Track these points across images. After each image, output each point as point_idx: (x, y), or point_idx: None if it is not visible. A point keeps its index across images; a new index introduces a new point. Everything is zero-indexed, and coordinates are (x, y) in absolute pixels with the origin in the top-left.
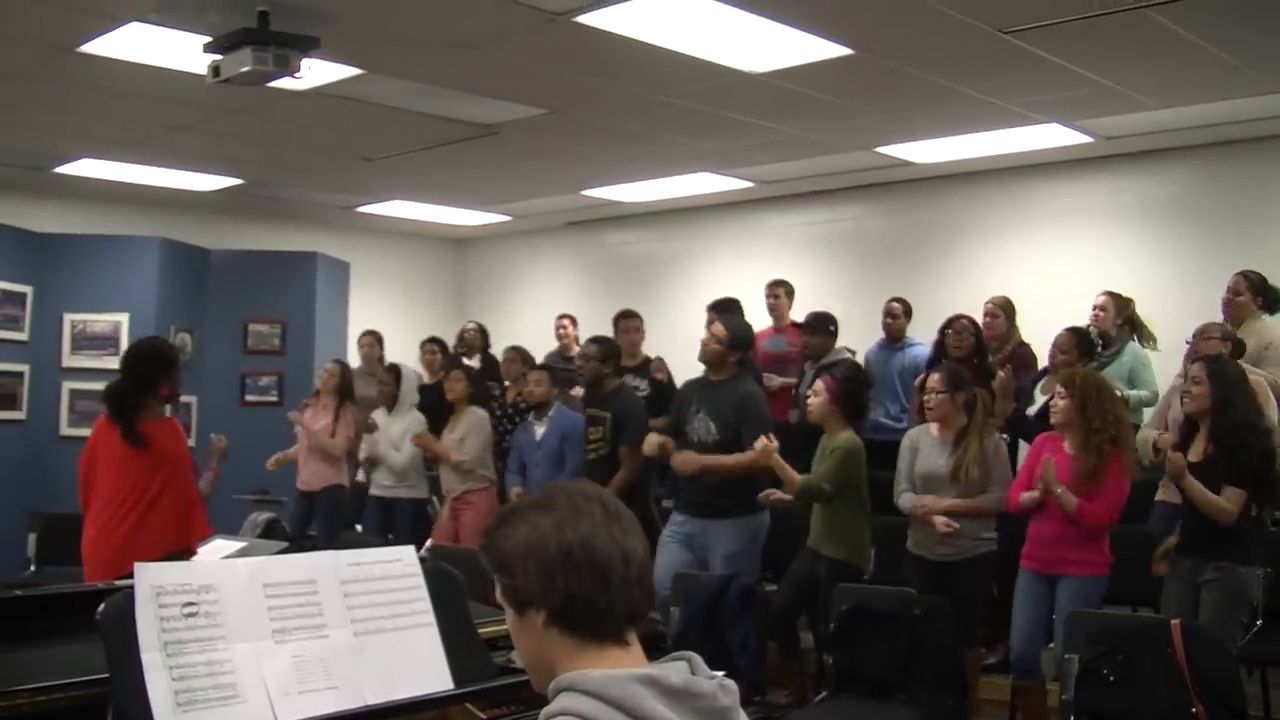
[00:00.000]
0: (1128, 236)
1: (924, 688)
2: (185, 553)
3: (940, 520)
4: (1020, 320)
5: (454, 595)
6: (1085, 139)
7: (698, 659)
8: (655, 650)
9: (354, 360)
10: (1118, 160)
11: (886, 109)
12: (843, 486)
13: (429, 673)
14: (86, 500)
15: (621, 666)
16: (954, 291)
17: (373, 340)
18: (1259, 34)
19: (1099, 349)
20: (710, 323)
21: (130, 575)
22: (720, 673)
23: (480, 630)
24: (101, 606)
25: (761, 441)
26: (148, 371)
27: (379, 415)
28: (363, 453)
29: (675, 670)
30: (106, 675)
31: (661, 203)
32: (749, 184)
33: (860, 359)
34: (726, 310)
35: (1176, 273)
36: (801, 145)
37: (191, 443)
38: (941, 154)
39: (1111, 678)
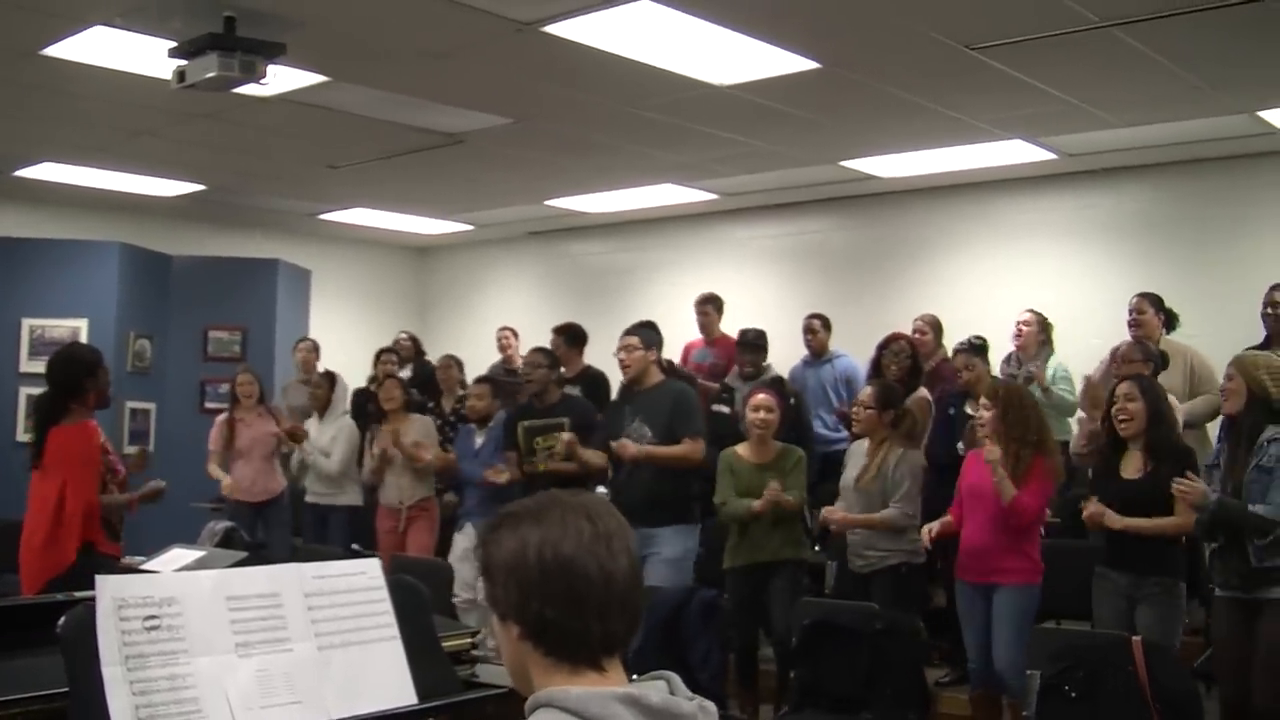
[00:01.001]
0: (1091, 253)
1: (886, 703)
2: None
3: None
4: (984, 334)
5: (418, 608)
6: (1049, 155)
7: (676, 679)
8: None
9: (290, 367)
10: (1082, 177)
11: (852, 123)
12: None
13: (393, 687)
14: None
15: (599, 686)
16: (916, 305)
17: (310, 347)
18: (1223, 54)
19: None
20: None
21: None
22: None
23: (444, 644)
24: (62, 619)
25: (773, 488)
26: (74, 377)
27: (311, 423)
28: (294, 460)
29: (655, 690)
30: (66, 689)
31: (625, 214)
32: (713, 196)
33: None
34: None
35: (1139, 288)
36: (766, 158)
37: (150, 448)
38: (906, 168)
39: (1073, 694)
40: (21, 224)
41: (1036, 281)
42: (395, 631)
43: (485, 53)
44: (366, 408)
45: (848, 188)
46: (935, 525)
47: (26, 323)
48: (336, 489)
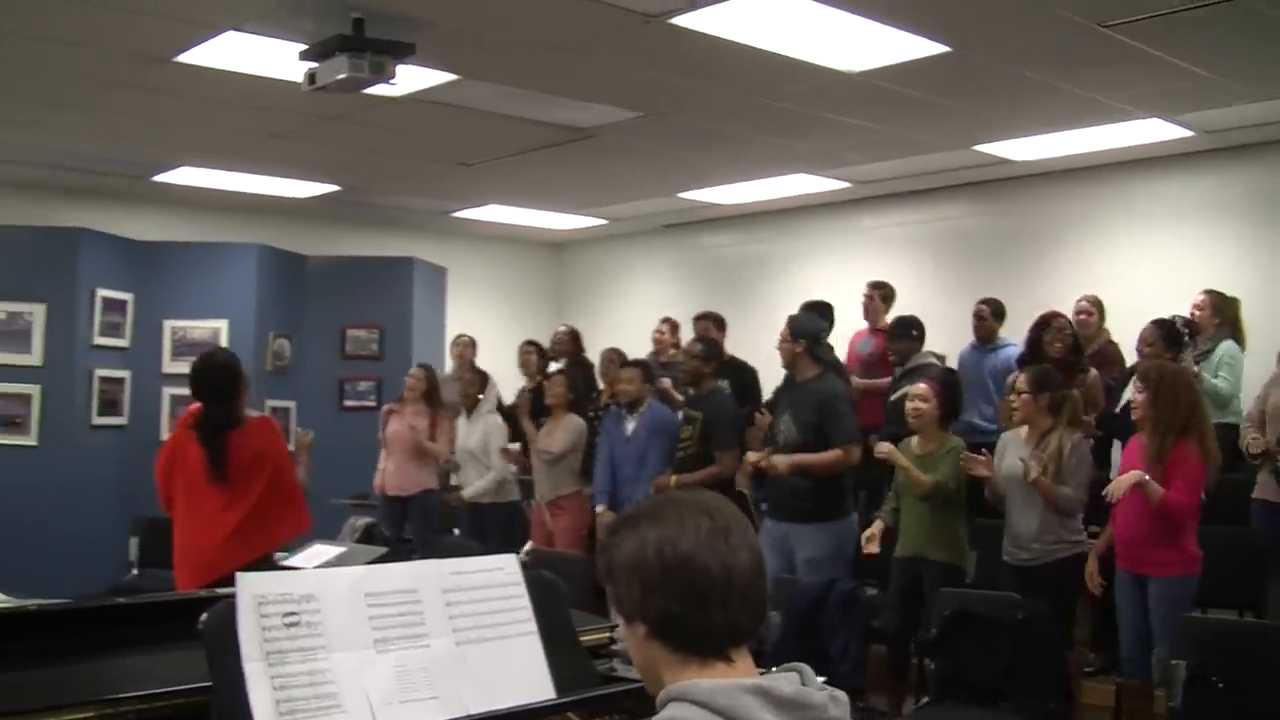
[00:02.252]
0: (1232, 232)
1: (1027, 693)
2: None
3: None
4: (1123, 318)
5: (556, 603)
6: (1186, 133)
7: (808, 670)
8: (753, 655)
9: (448, 364)
10: (1220, 154)
11: (984, 106)
12: (961, 486)
13: (531, 681)
14: (169, 503)
15: (728, 678)
16: (1053, 290)
17: (467, 342)
18: None
19: (1186, 339)
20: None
21: (222, 581)
22: (819, 679)
23: (582, 638)
24: (204, 615)
25: (886, 446)
26: (233, 384)
27: (460, 422)
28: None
29: (786, 681)
30: (209, 684)
31: (758, 204)
32: (845, 184)
33: (953, 361)
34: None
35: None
36: (898, 144)
37: (290, 446)
38: (1040, 151)
39: (1220, 685)
40: (162, 228)
41: (1174, 263)
42: (533, 626)
43: (613, 46)
44: (523, 405)
45: (982, 172)
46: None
47: (168, 324)
48: (494, 486)
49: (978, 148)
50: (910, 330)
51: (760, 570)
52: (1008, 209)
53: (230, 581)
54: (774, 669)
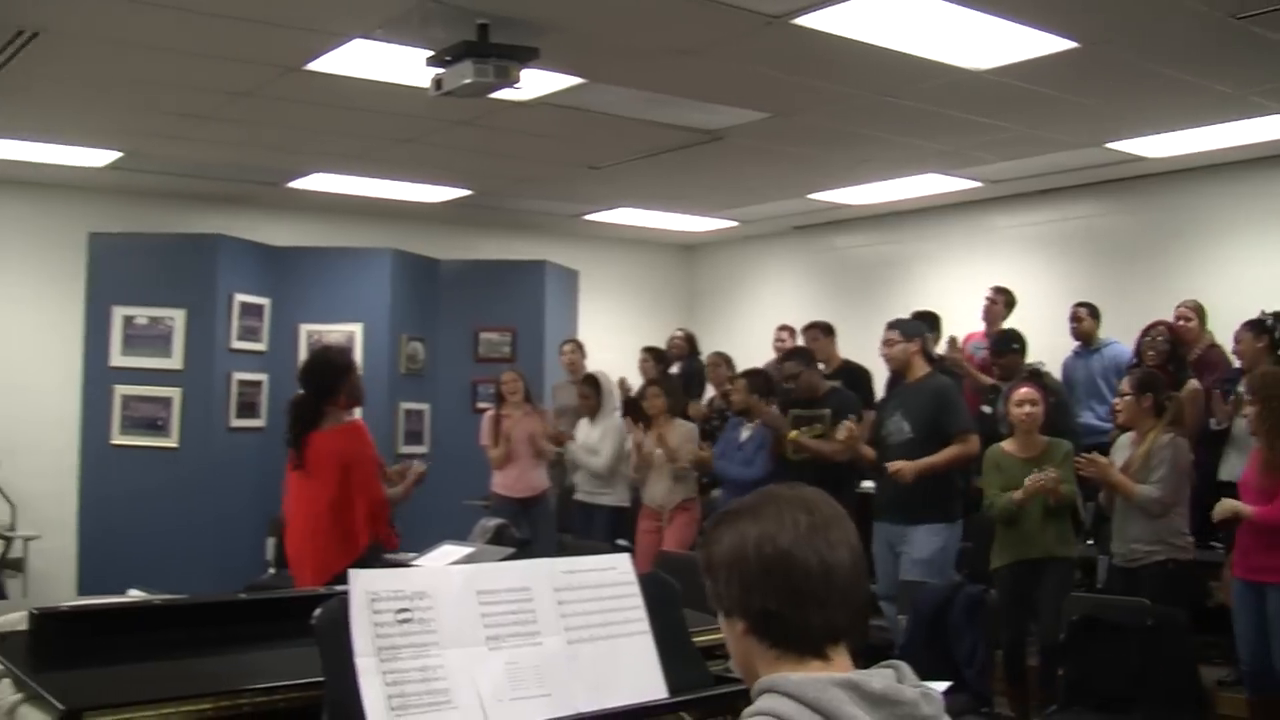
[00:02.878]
0: None
1: (1157, 702)
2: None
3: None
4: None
5: (669, 603)
6: None
7: (905, 667)
8: (882, 660)
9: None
10: None
11: (1115, 103)
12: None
13: (643, 681)
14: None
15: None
16: (1188, 290)
17: (574, 348)
18: None
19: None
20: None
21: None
22: (945, 684)
23: (695, 638)
24: (317, 612)
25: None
26: (329, 380)
27: (582, 425)
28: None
29: (878, 676)
30: (322, 679)
31: (889, 204)
32: (976, 184)
33: (1056, 368)
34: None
35: None
36: (1029, 143)
37: (424, 449)
38: (1174, 148)
39: None
40: (296, 233)
41: None
42: (646, 626)
43: (737, 48)
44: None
45: (1115, 170)
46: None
47: (304, 328)
48: (603, 487)
49: (1110, 145)
50: (1011, 344)
51: (860, 569)
52: (1141, 207)
53: (333, 584)
54: (876, 667)
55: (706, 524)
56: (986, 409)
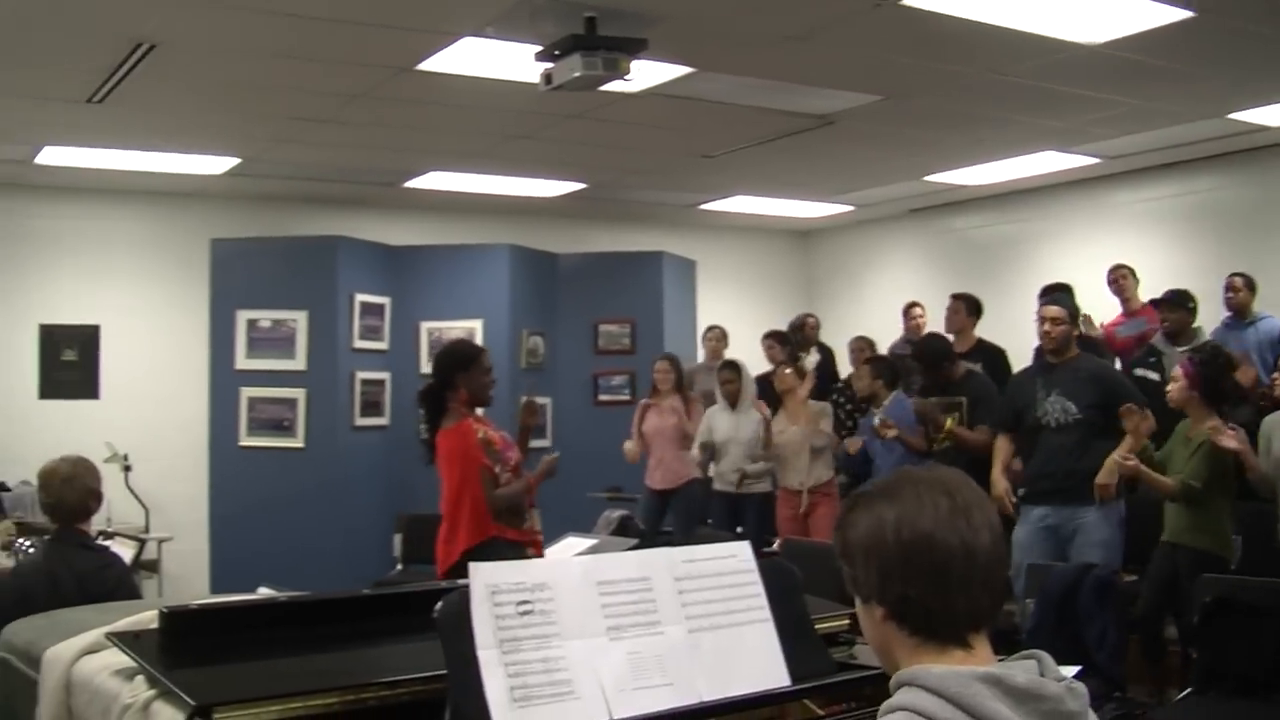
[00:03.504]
0: None
1: None
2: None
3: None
4: None
5: (791, 591)
6: None
7: (1047, 658)
8: (1009, 644)
9: (699, 355)
10: None
11: (1235, 72)
12: (1214, 480)
13: (765, 669)
14: None
15: (963, 665)
16: None
17: (719, 335)
18: None
19: None
20: (1041, 309)
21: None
22: (1075, 668)
23: (818, 626)
24: (439, 605)
25: (1137, 420)
26: (448, 370)
27: (720, 413)
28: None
29: (1021, 670)
30: (445, 672)
31: (1007, 184)
32: (1095, 160)
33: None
34: (1056, 293)
35: None
36: (1147, 116)
37: (547, 443)
38: None
39: None
40: (414, 232)
41: None
42: (767, 614)
43: (846, 31)
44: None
45: (1238, 141)
46: None
47: (425, 326)
48: (753, 477)
49: (1232, 116)
50: (1185, 302)
51: (1001, 552)
52: (1267, 178)
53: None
54: (1008, 658)
55: (841, 506)
56: (1149, 373)
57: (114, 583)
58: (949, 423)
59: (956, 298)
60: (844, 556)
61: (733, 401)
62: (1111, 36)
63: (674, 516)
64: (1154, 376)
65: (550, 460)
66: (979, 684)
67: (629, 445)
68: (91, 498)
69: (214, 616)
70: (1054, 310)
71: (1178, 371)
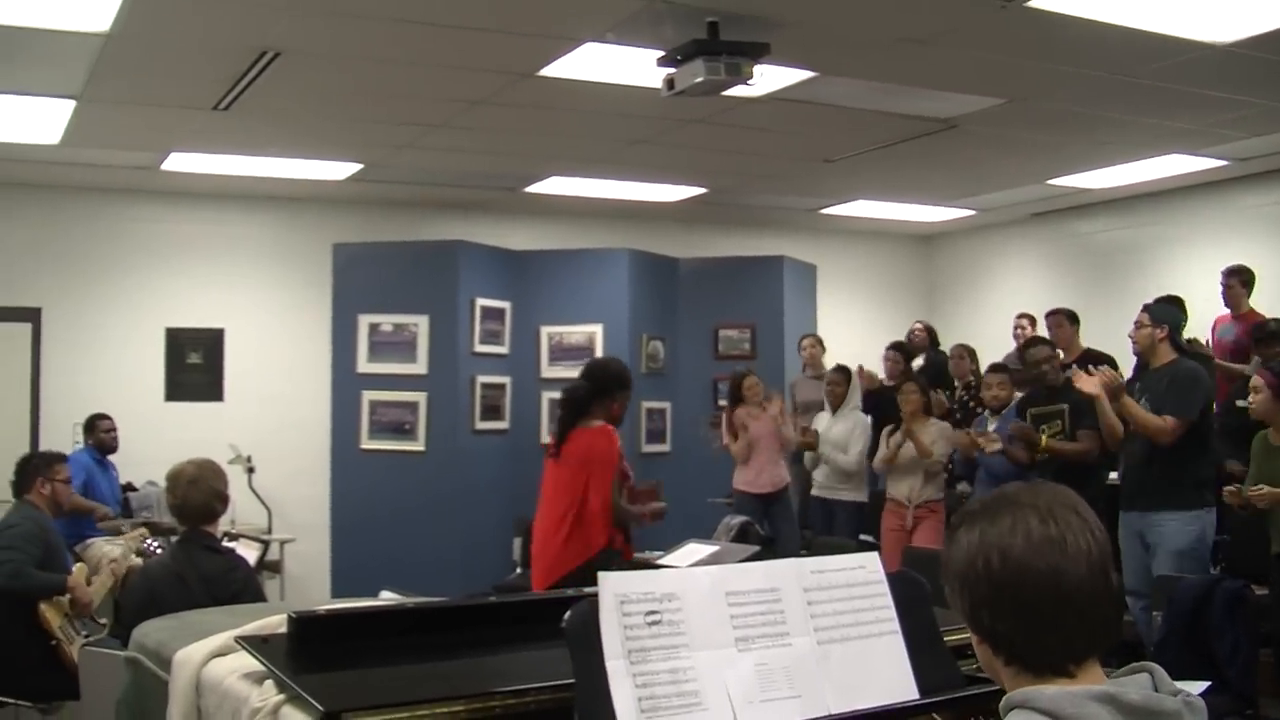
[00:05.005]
0: None
1: None
2: (606, 556)
3: None
4: None
5: (919, 602)
6: None
7: (1160, 671)
8: (1135, 656)
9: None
10: None
11: None
12: None
13: (894, 682)
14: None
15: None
16: None
17: (813, 342)
18: None
19: None
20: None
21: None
22: (1205, 683)
23: (948, 638)
24: (567, 614)
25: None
26: (608, 383)
27: (823, 417)
28: (808, 456)
29: (1134, 685)
30: (572, 681)
31: (1131, 187)
32: (1223, 162)
33: None
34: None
35: None
36: (1277, 117)
37: (666, 448)
38: None
39: None
40: (535, 237)
41: None
42: (896, 626)
43: (969, 34)
44: (881, 402)
45: None
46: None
47: (545, 330)
48: (844, 483)
49: None
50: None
51: (1104, 581)
52: None
53: (564, 582)
54: (1117, 672)
55: (953, 520)
56: (1241, 403)
57: (240, 585)
58: (1044, 440)
59: (1054, 314)
60: (945, 578)
61: (835, 406)
62: (1241, 36)
63: (772, 522)
64: (1242, 404)
65: (660, 508)
66: (1094, 704)
67: (736, 446)
68: (217, 500)
69: (342, 622)
70: (1140, 315)
71: (1257, 381)
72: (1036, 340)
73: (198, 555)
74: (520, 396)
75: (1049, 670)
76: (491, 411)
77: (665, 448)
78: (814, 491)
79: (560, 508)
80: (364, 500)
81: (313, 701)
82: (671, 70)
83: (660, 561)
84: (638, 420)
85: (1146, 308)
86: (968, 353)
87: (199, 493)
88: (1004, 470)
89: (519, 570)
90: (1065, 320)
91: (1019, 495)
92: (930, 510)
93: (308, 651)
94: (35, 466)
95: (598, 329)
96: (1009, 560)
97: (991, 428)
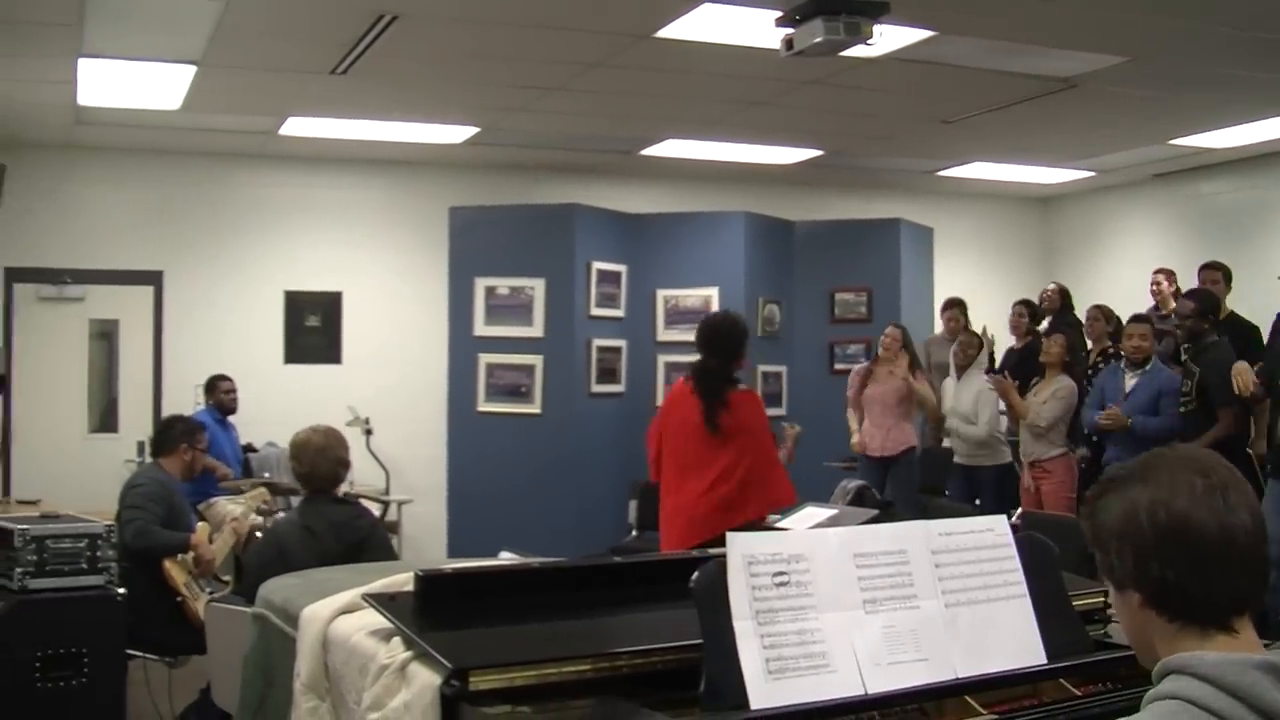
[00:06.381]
0: None
1: None
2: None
3: None
4: None
5: (1047, 566)
6: None
7: None
8: (1261, 628)
9: (936, 326)
10: None
11: None
12: None
13: (1021, 646)
14: (658, 468)
15: (1233, 651)
16: None
17: (958, 312)
18: None
19: None
20: None
21: (710, 543)
22: None
23: (1075, 603)
24: (695, 575)
25: None
26: (737, 343)
27: (949, 383)
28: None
29: None
30: (700, 641)
31: (1257, 146)
32: None
33: None
34: None
35: None
36: None
37: (782, 411)
38: None
39: None
40: (651, 200)
41: None
42: (1024, 590)
43: None
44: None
45: None
46: None
47: (661, 294)
48: (980, 449)
49: None
50: None
51: (1262, 532)
52: None
53: (715, 543)
54: (1273, 644)
55: (1089, 492)
56: None
57: (367, 530)
58: None
59: (1212, 268)
60: (1095, 543)
61: (962, 369)
62: None
63: (893, 485)
64: None
65: (795, 432)
66: (1257, 672)
67: (851, 414)
68: (342, 466)
69: (469, 581)
70: None
71: None
72: (1197, 293)
73: (324, 508)
74: (636, 360)
75: (1214, 625)
76: (607, 374)
77: (781, 411)
78: (955, 459)
79: (723, 472)
80: (480, 462)
81: (441, 659)
82: (790, 30)
83: (779, 524)
84: (754, 383)
85: None
86: (1104, 314)
87: (326, 460)
88: (1168, 435)
89: (634, 533)
90: (1221, 277)
91: (1169, 454)
92: (1045, 471)
93: (434, 610)
94: (181, 433)
95: (714, 292)
96: (1174, 512)
97: (1130, 382)
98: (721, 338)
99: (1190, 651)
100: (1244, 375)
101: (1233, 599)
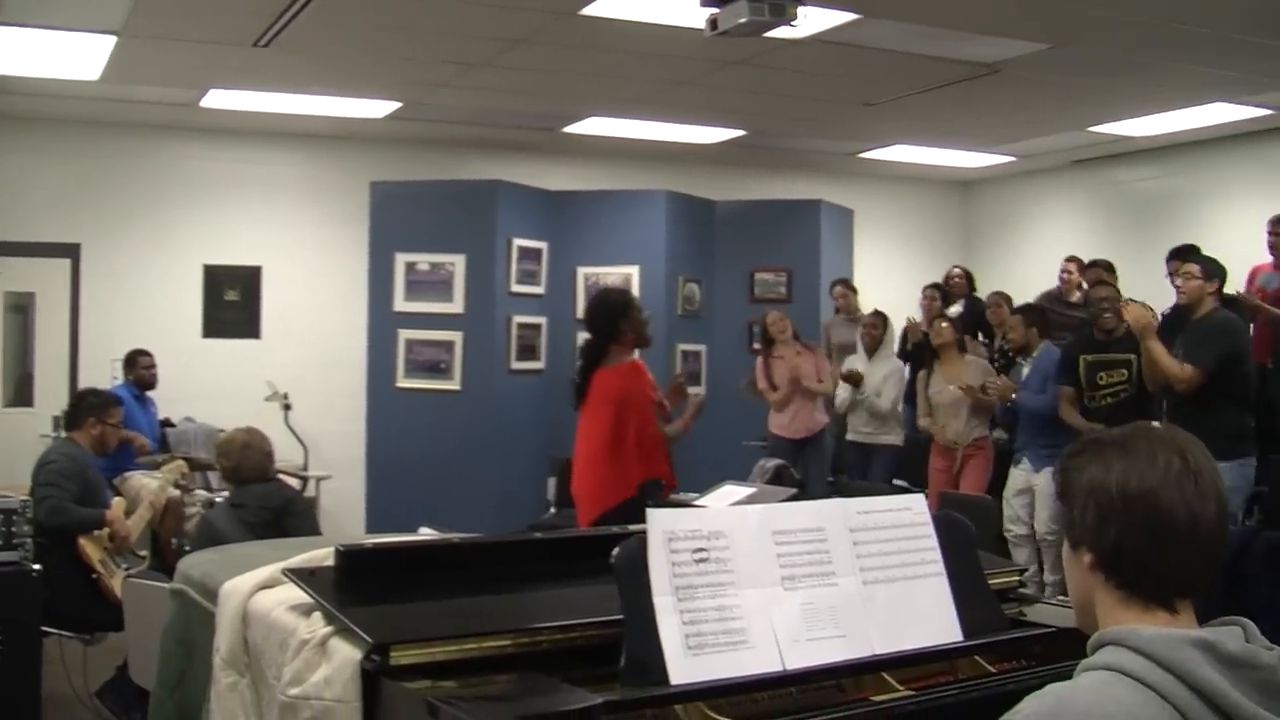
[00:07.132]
0: None
1: None
2: (654, 486)
3: None
4: None
5: (965, 545)
6: None
7: (1251, 626)
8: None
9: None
10: None
11: None
12: None
13: (938, 624)
14: None
15: (1171, 628)
16: None
17: (845, 290)
18: None
19: None
20: (1174, 270)
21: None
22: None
23: (991, 581)
24: (616, 550)
25: None
26: (608, 321)
27: (859, 361)
28: (840, 399)
29: (1230, 636)
30: (620, 616)
31: (1174, 135)
32: (1268, 111)
33: None
34: (1188, 253)
35: None
36: None
37: (702, 390)
38: None
39: None
40: (573, 178)
41: None
42: (941, 568)
43: None
44: (913, 347)
45: None
46: None
47: (581, 271)
48: (880, 428)
49: None
50: None
51: (1223, 527)
52: None
53: (604, 520)
54: (1210, 624)
55: (1067, 449)
56: None
57: (290, 495)
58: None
59: (1092, 266)
60: (1063, 497)
61: (871, 350)
62: None
63: (806, 466)
64: None
65: (699, 400)
66: (1191, 649)
67: (775, 396)
68: (268, 459)
69: (389, 556)
70: (1189, 267)
71: None
72: (1104, 282)
73: (250, 487)
74: (556, 337)
75: (1158, 602)
76: (527, 351)
77: (700, 389)
78: (849, 436)
79: (590, 448)
80: (399, 438)
81: (361, 633)
82: (715, 10)
83: (697, 502)
84: (672, 362)
85: (1195, 259)
86: (1005, 300)
87: (254, 455)
88: (1050, 413)
89: (553, 510)
90: (1104, 273)
91: (1154, 431)
92: (978, 448)
93: (355, 585)
94: (91, 406)
95: (634, 270)
96: (1145, 485)
97: (1024, 371)
98: (593, 314)
99: (1129, 625)
100: (1133, 308)
101: (1181, 582)
